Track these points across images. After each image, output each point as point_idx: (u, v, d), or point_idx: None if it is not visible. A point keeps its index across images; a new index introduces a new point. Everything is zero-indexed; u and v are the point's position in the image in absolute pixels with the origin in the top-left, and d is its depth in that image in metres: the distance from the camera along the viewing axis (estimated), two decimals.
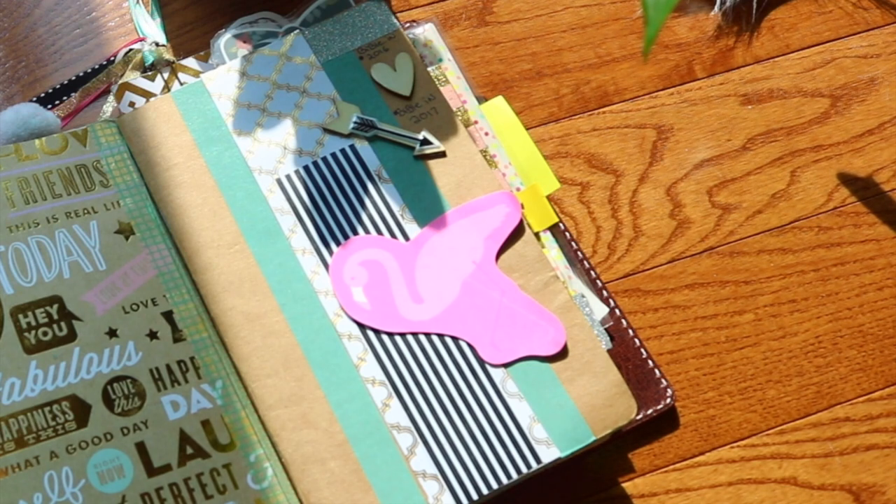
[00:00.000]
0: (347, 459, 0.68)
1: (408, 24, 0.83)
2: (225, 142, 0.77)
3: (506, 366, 0.71)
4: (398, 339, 0.72)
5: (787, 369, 0.78)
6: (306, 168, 0.76)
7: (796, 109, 0.86)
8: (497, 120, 0.79)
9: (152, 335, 0.71)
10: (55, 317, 0.70)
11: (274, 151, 0.76)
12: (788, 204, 0.83)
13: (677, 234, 0.81)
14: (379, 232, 0.74)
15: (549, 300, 0.72)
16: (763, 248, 0.81)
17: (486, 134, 0.79)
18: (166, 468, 0.68)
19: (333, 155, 0.77)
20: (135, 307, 0.72)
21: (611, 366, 0.71)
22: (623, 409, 0.70)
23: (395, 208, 0.75)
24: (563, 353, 0.71)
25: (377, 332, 0.72)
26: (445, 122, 0.78)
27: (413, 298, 0.72)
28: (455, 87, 0.80)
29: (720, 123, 0.85)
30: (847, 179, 0.84)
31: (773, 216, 0.82)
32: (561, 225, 0.78)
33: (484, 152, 0.78)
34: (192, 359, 0.71)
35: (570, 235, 0.79)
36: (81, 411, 0.68)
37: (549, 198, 0.79)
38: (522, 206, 0.75)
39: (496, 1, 0.88)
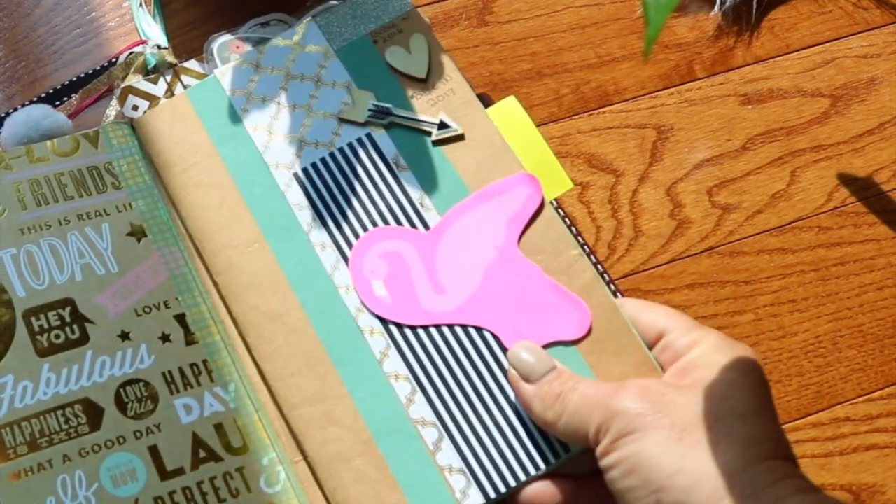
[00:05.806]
0: (373, 456, 0.68)
1: None
2: (241, 138, 0.75)
3: None
4: (421, 332, 0.70)
5: (787, 369, 0.78)
6: (323, 160, 0.75)
7: (796, 109, 0.86)
8: (507, 121, 0.77)
9: (165, 338, 0.71)
10: (67, 319, 0.70)
11: (290, 145, 0.75)
12: (788, 204, 0.83)
13: (677, 234, 0.82)
14: (398, 222, 0.73)
15: (575, 279, 0.70)
16: (763, 248, 0.82)
17: None
18: (179, 472, 0.67)
19: (350, 145, 0.75)
20: (147, 310, 0.71)
21: (637, 343, 0.68)
22: None
23: (414, 196, 0.73)
24: (588, 335, 0.69)
25: (399, 325, 0.71)
26: (464, 102, 0.76)
27: (435, 289, 0.71)
28: None
29: (720, 123, 0.85)
30: (847, 179, 0.84)
31: (773, 216, 0.83)
32: (567, 219, 0.78)
33: None
34: (204, 362, 0.71)
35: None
36: (94, 415, 0.68)
37: None
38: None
39: (496, 1, 0.88)
